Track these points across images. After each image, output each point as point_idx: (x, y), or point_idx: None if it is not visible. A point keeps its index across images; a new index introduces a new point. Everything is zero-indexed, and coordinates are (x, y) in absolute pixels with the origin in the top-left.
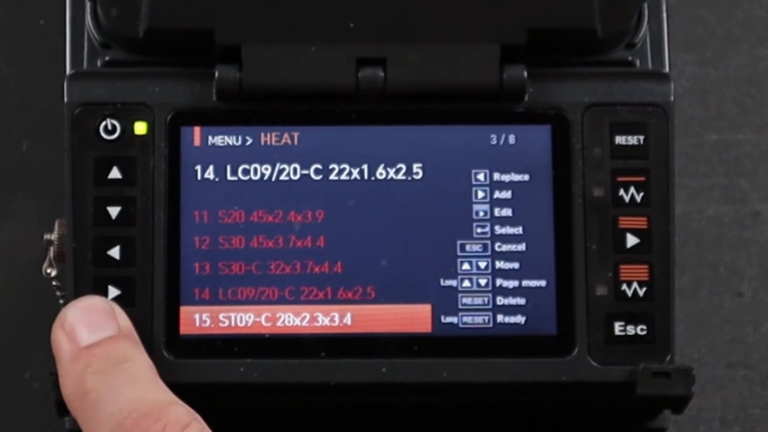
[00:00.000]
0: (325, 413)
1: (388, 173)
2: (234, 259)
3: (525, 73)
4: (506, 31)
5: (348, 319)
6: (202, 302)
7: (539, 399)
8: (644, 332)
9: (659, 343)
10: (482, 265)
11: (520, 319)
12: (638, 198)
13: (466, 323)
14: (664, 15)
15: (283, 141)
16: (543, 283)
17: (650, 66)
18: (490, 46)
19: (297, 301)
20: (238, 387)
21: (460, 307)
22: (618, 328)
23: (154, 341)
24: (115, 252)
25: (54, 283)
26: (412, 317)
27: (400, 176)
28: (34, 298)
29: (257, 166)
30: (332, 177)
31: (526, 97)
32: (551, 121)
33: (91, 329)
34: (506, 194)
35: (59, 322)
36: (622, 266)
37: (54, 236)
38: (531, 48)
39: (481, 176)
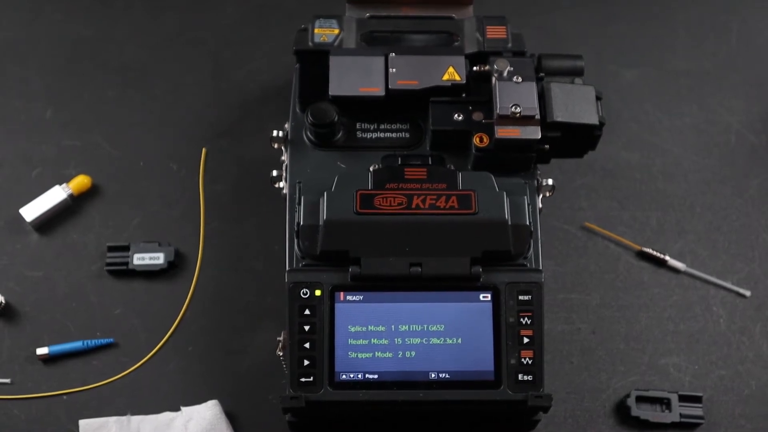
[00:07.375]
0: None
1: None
2: (360, 351)
3: (480, 269)
4: (473, 251)
5: None
6: (344, 369)
7: (484, 407)
8: (531, 378)
9: (537, 384)
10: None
11: (479, 372)
12: (528, 321)
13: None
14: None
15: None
16: (491, 358)
17: (533, 265)
18: (465, 258)
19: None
20: (356, 403)
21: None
22: (520, 377)
23: (324, 383)
24: (307, 344)
25: (282, 359)
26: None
27: None
28: None
29: (370, 305)
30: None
31: (481, 279)
32: (493, 290)
33: None
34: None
35: None
36: (522, 351)
37: (282, 338)
38: (483, 258)
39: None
